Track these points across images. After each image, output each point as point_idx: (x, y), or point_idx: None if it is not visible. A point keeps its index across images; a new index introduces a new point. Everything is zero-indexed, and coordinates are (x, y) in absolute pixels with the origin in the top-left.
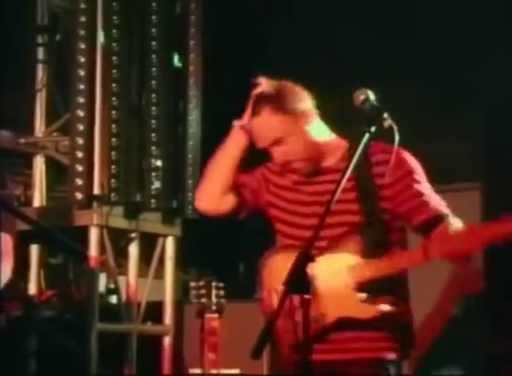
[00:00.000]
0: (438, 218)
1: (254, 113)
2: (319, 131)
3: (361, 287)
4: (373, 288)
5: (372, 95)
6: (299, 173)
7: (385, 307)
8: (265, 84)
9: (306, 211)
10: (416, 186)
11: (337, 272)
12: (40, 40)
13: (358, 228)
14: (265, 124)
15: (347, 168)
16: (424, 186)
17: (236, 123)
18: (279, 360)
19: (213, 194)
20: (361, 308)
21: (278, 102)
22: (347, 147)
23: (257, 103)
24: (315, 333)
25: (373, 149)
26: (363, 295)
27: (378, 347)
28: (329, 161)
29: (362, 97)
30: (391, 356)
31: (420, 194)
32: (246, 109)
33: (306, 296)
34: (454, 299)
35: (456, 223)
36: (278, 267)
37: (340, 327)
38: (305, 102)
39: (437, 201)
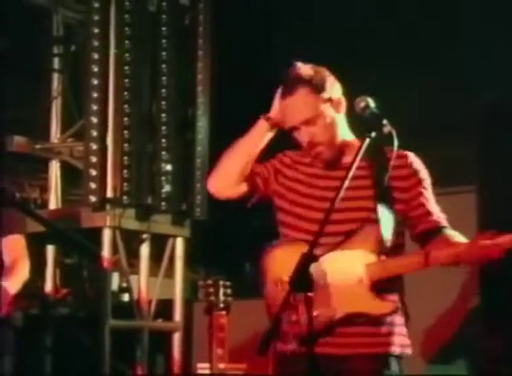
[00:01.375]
0: (439, 229)
1: (289, 92)
2: (344, 125)
3: (373, 284)
4: (382, 286)
5: (372, 103)
6: (319, 159)
7: (395, 304)
8: (303, 67)
9: (316, 205)
10: (425, 194)
11: (351, 268)
12: (55, 50)
13: (374, 226)
14: (301, 103)
15: (349, 169)
16: (430, 196)
17: (263, 115)
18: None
19: (228, 182)
20: (374, 304)
21: (317, 84)
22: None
23: (293, 84)
24: (323, 326)
25: (389, 154)
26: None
27: (382, 342)
28: (349, 158)
29: (362, 104)
30: (394, 350)
31: (427, 203)
32: (273, 102)
33: (309, 294)
34: (469, 298)
35: (455, 234)
36: (284, 259)
37: (348, 322)
38: (340, 92)
39: (438, 212)
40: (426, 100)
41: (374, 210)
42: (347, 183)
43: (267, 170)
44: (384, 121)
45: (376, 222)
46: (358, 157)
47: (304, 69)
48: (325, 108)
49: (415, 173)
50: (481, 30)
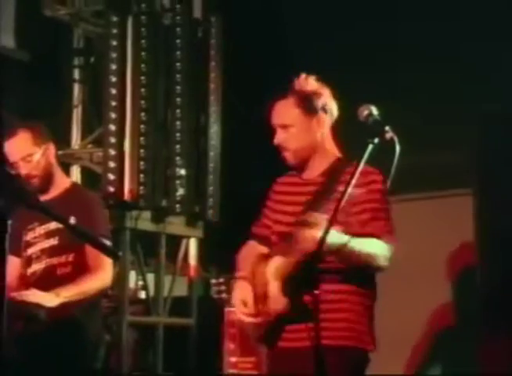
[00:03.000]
0: None
1: (282, 96)
2: (322, 140)
3: (284, 283)
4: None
5: (375, 110)
6: (286, 161)
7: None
8: (305, 80)
9: (287, 220)
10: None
11: (269, 272)
12: (76, 62)
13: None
14: (283, 109)
15: (352, 176)
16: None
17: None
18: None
19: None
20: (276, 301)
21: (307, 99)
22: (333, 163)
23: (288, 91)
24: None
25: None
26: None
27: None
28: (311, 174)
29: (365, 112)
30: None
31: None
32: None
33: (315, 291)
34: None
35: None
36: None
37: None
38: (328, 114)
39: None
40: (425, 110)
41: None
42: (346, 196)
43: (268, 220)
44: (387, 128)
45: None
46: (362, 163)
47: (304, 82)
48: (303, 121)
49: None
50: (481, 39)
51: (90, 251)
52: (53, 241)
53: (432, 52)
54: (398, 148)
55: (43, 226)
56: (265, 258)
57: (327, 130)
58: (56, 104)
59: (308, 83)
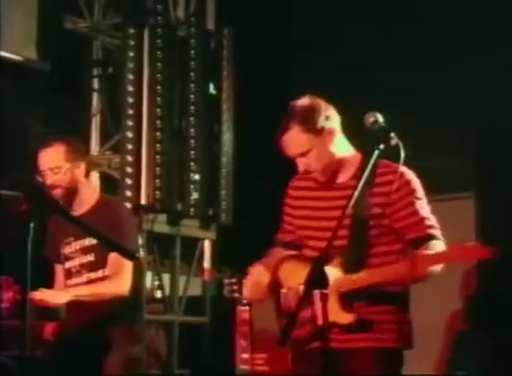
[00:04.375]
0: (427, 239)
1: (285, 129)
2: (340, 146)
3: (342, 296)
4: (366, 297)
5: (380, 117)
6: (316, 181)
7: (354, 316)
8: (299, 104)
9: (317, 225)
10: (415, 204)
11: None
12: (95, 72)
13: (341, 244)
14: (294, 140)
15: (358, 183)
16: (421, 206)
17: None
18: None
19: None
20: (340, 315)
21: (309, 120)
22: (359, 163)
23: (288, 121)
24: (312, 330)
25: (379, 170)
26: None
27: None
28: (342, 178)
29: (371, 119)
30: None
31: (417, 213)
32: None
33: (324, 291)
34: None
35: (439, 244)
36: (292, 270)
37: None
38: (332, 120)
39: (430, 221)
40: (427, 118)
41: (345, 228)
42: (352, 200)
43: (291, 226)
44: (392, 134)
45: (346, 240)
46: (369, 168)
47: (299, 106)
48: (316, 141)
49: (404, 186)
50: (480, 48)
51: (110, 258)
52: (90, 257)
53: (431, 57)
54: (402, 154)
55: (78, 242)
56: (298, 259)
57: (339, 134)
58: (76, 112)
59: (306, 105)
